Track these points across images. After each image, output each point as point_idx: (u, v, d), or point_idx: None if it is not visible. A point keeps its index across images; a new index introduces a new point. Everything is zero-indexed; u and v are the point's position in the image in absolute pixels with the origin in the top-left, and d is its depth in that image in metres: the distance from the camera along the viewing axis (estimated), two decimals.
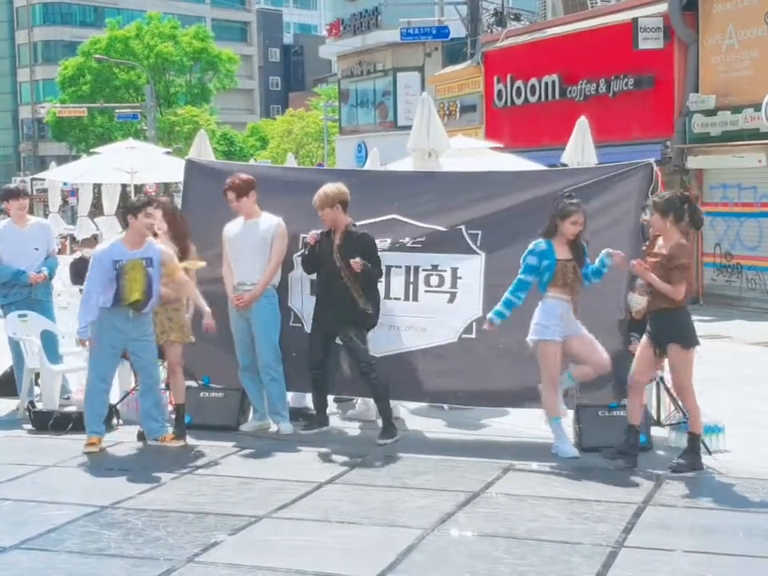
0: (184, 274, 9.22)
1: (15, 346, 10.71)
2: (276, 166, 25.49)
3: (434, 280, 9.76)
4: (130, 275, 8.88)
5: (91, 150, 33.13)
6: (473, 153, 14.04)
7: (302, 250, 9.68)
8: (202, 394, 10.01)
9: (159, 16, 68.27)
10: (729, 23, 21.11)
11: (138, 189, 23.29)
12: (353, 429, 9.83)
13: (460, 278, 9.69)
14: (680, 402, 8.96)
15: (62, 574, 6.24)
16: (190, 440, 9.41)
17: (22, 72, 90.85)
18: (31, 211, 12.08)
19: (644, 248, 8.52)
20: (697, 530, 6.98)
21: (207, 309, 9.33)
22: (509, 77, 27.06)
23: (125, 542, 6.72)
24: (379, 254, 9.65)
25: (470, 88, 29.46)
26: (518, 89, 26.73)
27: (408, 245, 9.80)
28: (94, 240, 17.30)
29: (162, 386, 10.11)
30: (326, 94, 62.24)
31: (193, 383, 10.06)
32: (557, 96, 25.33)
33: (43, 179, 32.46)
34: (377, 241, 9.78)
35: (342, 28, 41.24)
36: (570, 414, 9.10)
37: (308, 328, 9.74)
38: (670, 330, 8.28)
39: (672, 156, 21.80)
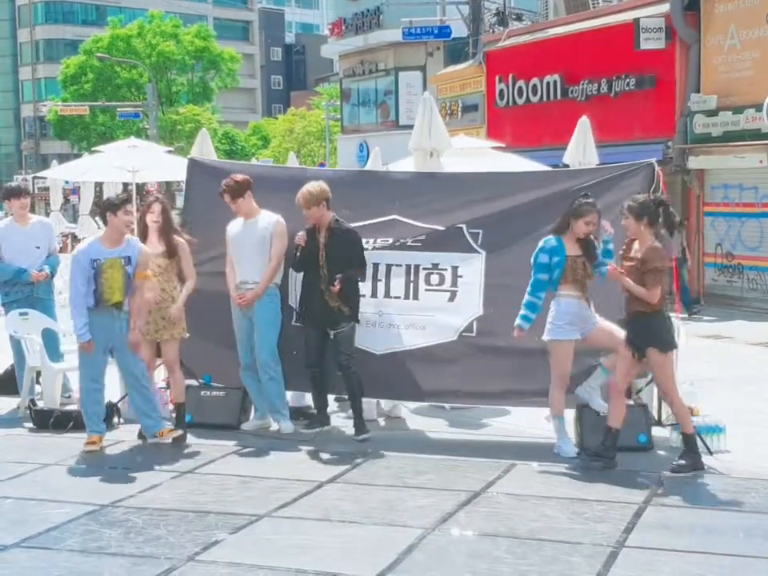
0: (142, 281, 9.14)
1: (16, 345, 10.72)
2: (278, 165, 25.52)
3: (435, 279, 9.76)
4: (108, 274, 8.87)
5: (93, 149, 33.13)
6: (474, 152, 14.03)
7: (294, 251, 9.62)
8: (203, 393, 10.01)
9: (161, 15, 68.20)
10: (730, 23, 21.11)
11: (140, 187, 23.27)
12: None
13: (460, 276, 9.70)
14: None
15: (63, 572, 6.24)
16: (191, 438, 9.41)
17: (24, 70, 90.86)
18: (33, 210, 12.10)
19: (621, 252, 8.52)
20: (697, 530, 6.97)
21: (137, 319, 9.14)
22: (510, 76, 27.07)
23: (125, 540, 6.72)
24: (380, 252, 9.67)
25: (472, 88, 29.47)
26: (520, 89, 26.74)
27: (409, 244, 9.81)
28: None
29: (163, 384, 10.14)
30: (328, 93, 62.16)
31: (194, 382, 10.07)
32: (558, 96, 25.34)
33: (45, 178, 32.50)
34: (378, 240, 9.80)
35: (343, 27, 41.24)
36: (570, 414, 9.09)
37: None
38: (647, 333, 8.27)
39: (673, 156, 21.80)
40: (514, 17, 31.83)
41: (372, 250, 9.78)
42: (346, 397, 9.71)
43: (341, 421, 10.11)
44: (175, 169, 18.09)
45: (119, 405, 10.06)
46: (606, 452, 8.39)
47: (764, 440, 9.37)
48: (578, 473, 8.28)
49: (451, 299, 9.70)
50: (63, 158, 50.33)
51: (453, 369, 9.60)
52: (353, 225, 9.62)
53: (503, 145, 16.70)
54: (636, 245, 8.31)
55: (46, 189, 34.80)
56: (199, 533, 6.83)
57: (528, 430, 9.60)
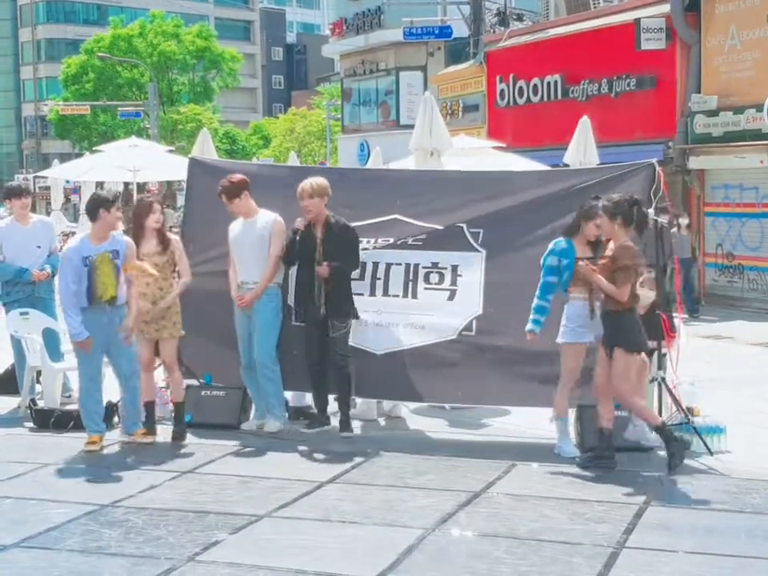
0: (133, 273, 9.18)
1: (17, 344, 10.72)
2: (279, 165, 25.53)
3: (434, 277, 9.76)
4: (101, 270, 8.88)
5: (94, 148, 33.17)
6: (475, 152, 14.05)
7: (289, 240, 9.58)
8: (203, 393, 10.01)
9: (162, 14, 68.21)
10: (731, 24, 21.10)
11: (141, 187, 23.29)
12: (354, 428, 9.79)
13: (460, 275, 9.69)
14: (682, 404, 8.97)
15: (63, 572, 6.24)
16: (191, 438, 9.41)
17: (26, 70, 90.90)
18: (34, 209, 12.11)
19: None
20: (698, 530, 6.97)
21: (134, 311, 9.17)
22: (511, 76, 27.07)
23: (125, 540, 6.72)
24: (380, 251, 9.68)
25: (473, 88, 29.47)
26: (521, 89, 26.74)
27: (409, 243, 9.81)
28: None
29: (164, 384, 10.13)
30: (329, 92, 62.16)
31: (194, 382, 10.07)
32: (559, 96, 25.33)
33: (46, 177, 32.54)
34: (379, 240, 9.80)
35: (344, 27, 41.22)
36: (572, 414, 9.09)
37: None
38: (616, 332, 8.29)
39: (674, 156, 21.80)
40: (514, 17, 31.83)
41: (372, 249, 9.79)
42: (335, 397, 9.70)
43: None
44: (176, 168, 18.13)
45: (119, 405, 10.05)
46: (604, 453, 8.39)
47: (765, 440, 9.36)
48: (578, 473, 8.28)
49: (450, 298, 9.69)
50: (64, 158, 50.35)
51: (452, 368, 9.59)
52: (354, 224, 9.62)
53: (504, 145, 16.73)
54: (611, 244, 8.34)
55: (47, 188, 34.82)
56: (199, 533, 6.83)
57: (528, 430, 9.59)
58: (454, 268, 9.71)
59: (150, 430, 9.42)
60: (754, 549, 6.57)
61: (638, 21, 22.18)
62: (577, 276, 8.58)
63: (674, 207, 18.50)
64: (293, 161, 23.51)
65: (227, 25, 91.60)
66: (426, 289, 9.75)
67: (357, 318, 9.55)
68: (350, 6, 41.46)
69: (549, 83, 25.64)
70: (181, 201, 35.93)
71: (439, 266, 9.76)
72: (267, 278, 9.52)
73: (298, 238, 9.42)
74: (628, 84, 23.21)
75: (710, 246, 21.72)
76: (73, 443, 9.22)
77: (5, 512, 7.41)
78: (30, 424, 10.00)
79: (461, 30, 34.16)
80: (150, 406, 9.51)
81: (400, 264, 9.82)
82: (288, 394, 10.05)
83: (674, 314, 9.81)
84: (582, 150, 12.60)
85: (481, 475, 8.21)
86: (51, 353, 10.53)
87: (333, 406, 9.71)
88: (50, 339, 10.67)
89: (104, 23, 74.99)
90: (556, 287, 8.72)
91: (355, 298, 9.64)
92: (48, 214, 25.24)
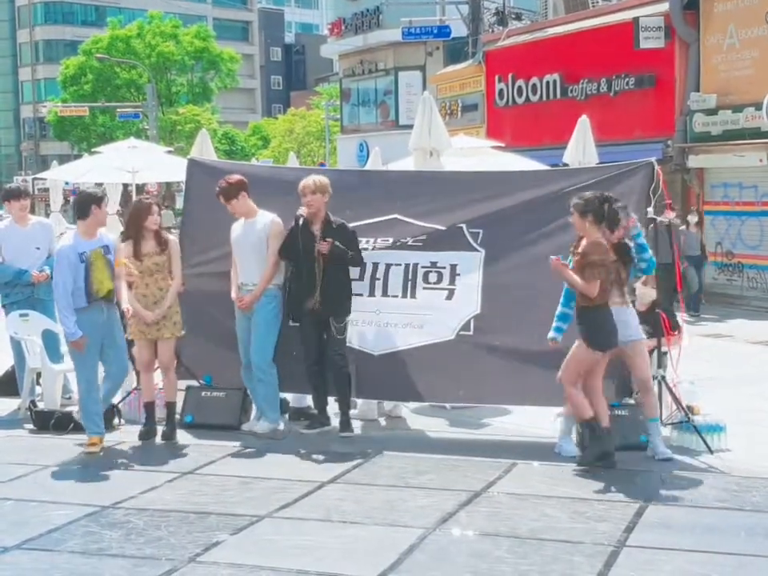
0: (122, 268, 9.22)
1: (17, 346, 10.71)
2: (278, 165, 25.52)
3: (433, 277, 9.76)
4: (96, 265, 8.92)
5: (93, 150, 33.12)
6: (474, 152, 14.04)
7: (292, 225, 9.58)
8: (203, 393, 10.00)
9: (161, 15, 68.16)
10: (730, 23, 21.11)
11: (140, 188, 23.29)
12: (354, 428, 9.80)
13: (458, 274, 9.69)
14: (682, 402, 8.98)
15: (64, 573, 6.24)
16: (191, 439, 9.42)
17: (24, 71, 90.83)
18: (33, 211, 12.11)
19: (571, 248, 8.51)
20: (698, 529, 6.97)
21: (125, 306, 9.22)
22: (510, 76, 27.08)
23: (126, 541, 6.72)
24: (379, 252, 9.68)
25: (472, 87, 29.48)
26: (520, 88, 26.75)
27: (409, 243, 9.81)
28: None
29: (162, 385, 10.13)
30: (328, 93, 62.14)
31: (194, 382, 10.07)
32: (558, 95, 25.35)
33: (45, 178, 32.47)
34: (379, 240, 9.81)
35: (343, 27, 41.23)
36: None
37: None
38: (581, 326, 8.35)
39: (673, 155, 21.82)
40: (513, 16, 31.84)
41: (372, 250, 9.79)
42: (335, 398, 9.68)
43: None
44: (175, 169, 18.10)
45: (119, 406, 10.06)
46: (604, 452, 8.38)
47: (765, 439, 9.36)
48: (579, 472, 8.28)
49: (449, 298, 9.69)
50: (63, 159, 50.30)
51: (452, 368, 9.59)
52: (354, 224, 9.63)
53: (503, 144, 16.71)
54: (584, 241, 8.37)
55: (46, 190, 34.77)
56: (200, 534, 6.83)
57: (529, 429, 9.59)
58: (453, 267, 9.71)
59: (150, 430, 9.42)
60: (754, 547, 6.58)
61: (636, 20, 22.19)
62: (609, 280, 8.51)
63: (674, 206, 18.52)
64: (292, 161, 23.50)
65: (225, 25, 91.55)
66: (424, 288, 9.75)
67: (349, 313, 9.56)
68: (348, 6, 41.47)
69: (548, 82, 25.66)
70: (180, 202, 35.93)
71: (438, 265, 9.76)
72: (266, 279, 9.50)
73: (300, 226, 9.39)
74: (627, 83, 23.23)
75: (710, 244, 21.70)
76: (73, 445, 9.22)
77: (5, 514, 7.41)
78: (30, 426, 10.00)
79: (459, 29, 34.19)
80: (150, 407, 9.52)
81: (399, 264, 9.81)
82: (288, 395, 10.05)
83: (676, 313, 9.82)
84: (581, 149, 12.59)
85: (481, 474, 8.22)
86: (51, 354, 10.53)
87: (334, 406, 9.70)
88: (50, 341, 10.67)
89: (102, 24, 74.93)
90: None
91: (354, 298, 9.65)
92: (47, 215, 25.22)
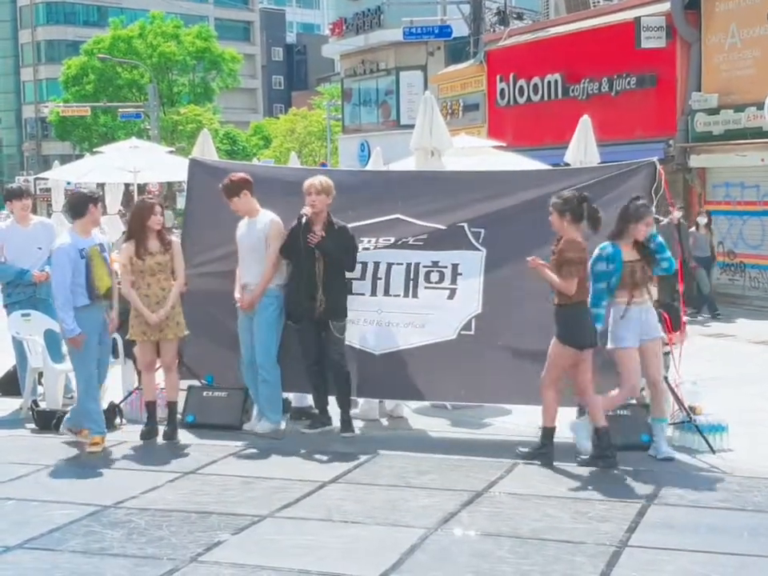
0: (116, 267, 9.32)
1: (18, 346, 10.72)
2: (280, 165, 25.51)
3: (434, 276, 9.76)
4: (95, 262, 8.96)
5: (94, 150, 33.14)
6: (475, 152, 14.05)
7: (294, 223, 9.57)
8: (205, 393, 10.00)
9: (162, 15, 68.18)
10: (731, 22, 21.11)
11: (141, 188, 23.27)
12: (356, 428, 9.79)
13: (460, 274, 9.69)
14: (685, 402, 8.97)
15: (65, 573, 6.24)
16: (192, 439, 9.42)
17: (26, 71, 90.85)
18: (35, 211, 12.11)
19: (552, 247, 8.52)
20: (701, 529, 6.97)
21: (115, 306, 9.32)
22: (511, 76, 27.08)
23: (128, 541, 6.72)
24: (381, 251, 9.67)
25: (473, 87, 29.48)
26: (521, 88, 26.75)
27: (411, 243, 9.82)
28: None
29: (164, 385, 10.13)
30: (329, 93, 62.14)
31: (196, 382, 10.07)
32: (559, 95, 25.35)
33: (46, 178, 32.46)
34: (380, 239, 9.81)
35: (344, 27, 41.23)
36: (572, 413, 9.09)
37: None
38: (557, 323, 8.40)
39: (675, 155, 21.82)
40: (514, 16, 31.85)
41: (374, 249, 9.79)
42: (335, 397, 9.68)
43: None
44: (176, 169, 18.11)
45: (121, 406, 10.06)
46: (604, 451, 8.38)
47: (767, 439, 9.35)
48: (581, 472, 8.28)
49: (450, 297, 9.69)
50: (65, 159, 50.36)
51: (452, 368, 9.59)
52: (356, 224, 9.64)
53: (504, 144, 16.72)
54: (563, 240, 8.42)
55: (48, 190, 34.77)
56: (202, 533, 6.83)
57: (530, 429, 9.57)
58: (455, 267, 9.71)
59: (152, 429, 9.42)
60: (757, 547, 6.57)
61: (638, 19, 22.19)
62: (632, 281, 8.46)
63: (677, 205, 18.53)
64: (293, 161, 23.48)
65: (227, 25, 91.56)
66: (426, 288, 9.75)
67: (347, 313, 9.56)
68: (349, 6, 41.46)
69: (549, 82, 25.66)
70: (181, 202, 35.92)
71: (439, 264, 9.76)
72: (265, 279, 9.48)
73: (302, 225, 9.39)
74: (628, 83, 23.22)
75: None
76: (75, 445, 9.22)
77: (7, 513, 7.41)
78: (32, 425, 10.00)
79: (461, 29, 34.18)
80: (151, 406, 9.51)
81: (401, 264, 9.81)
82: (290, 395, 10.04)
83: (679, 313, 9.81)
84: (583, 149, 12.59)
85: (483, 474, 8.21)
86: (53, 354, 10.52)
87: (336, 405, 9.69)
88: (52, 341, 10.66)
89: (104, 24, 74.93)
90: (607, 293, 8.52)
91: (356, 297, 9.65)
92: (49, 215, 25.21)
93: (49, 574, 6.22)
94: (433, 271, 9.76)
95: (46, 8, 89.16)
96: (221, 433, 9.54)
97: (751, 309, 20.34)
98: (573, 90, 24.84)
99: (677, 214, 18.90)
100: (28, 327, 10.65)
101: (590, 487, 7.89)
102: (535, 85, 26.17)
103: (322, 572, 6.14)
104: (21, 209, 10.95)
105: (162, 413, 9.58)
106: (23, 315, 10.67)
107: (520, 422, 9.86)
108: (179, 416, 9.68)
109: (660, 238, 8.63)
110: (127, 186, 21.98)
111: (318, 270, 9.34)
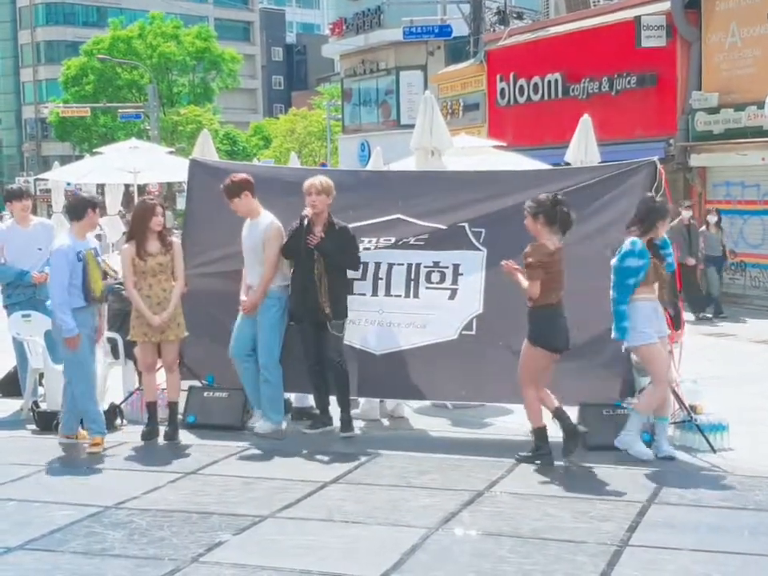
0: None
1: (19, 347, 10.72)
2: (280, 166, 25.51)
3: (436, 276, 9.76)
4: (90, 265, 9.01)
5: (94, 150, 33.14)
6: (476, 151, 14.04)
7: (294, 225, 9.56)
8: (206, 394, 10.00)
9: (162, 16, 68.19)
10: (732, 21, 21.11)
11: (141, 189, 23.29)
12: (356, 428, 9.79)
13: (461, 274, 9.69)
14: (685, 401, 8.97)
15: (66, 574, 6.23)
16: (193, 439, 9.42)
17: (25, 72, 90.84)
18: (35, 211, 12.12)
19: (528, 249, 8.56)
20: (702, 528, 6.96)
21: (104, 313, 9.45)
22: (512, 75, 27.08)
23: (129, 542, 6.72)
24: (382, 251, 9.67)
25: (473, 86, 29.48)
26: (521, 87, 26.76)
27: (411, 243, 9.82)
28: (97, 239, 17.30)
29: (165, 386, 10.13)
30: (329, 93, 62.14)
31: (197, 383, 10.06)
32: (560, 94, 25.35)
33: (46, 179, 32.48)
34: (381, 239, 9.81)
35: (344, 27, 41.24)
36: (572, 412, 9.08)
37: None
38: (529, 323, 8.45)
39: (675, 154, 21.82)
40: (514, 15, 31.86)
41: (374, 249, 9.79)
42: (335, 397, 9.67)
43: None
44: (176, 170, 18.15)
45: (122, 406, 10.06)
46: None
47: None
48: (581, 472, 8.28)
49: (451, 297, 9.70)
50: (65, 160, 50.38)
51: (453, 368, 9.59)
52: (357, 224, 9.64)
53: (504, 144, 16.72)
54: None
55: (48, 190, 34.79)
56: (203, 534, 6.83)
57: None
58: (456, 267, 9.71)
59: (153, 430, 9.42)
60: (758, 546, 6.57)
61: (638, 18, 22.19)
62: (654, 278, 8.49)
63: (681, 203, 18.52)
64: (293, 161, 23.49)
65: (227, 25, 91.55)
66: (427, 288, 9.75)
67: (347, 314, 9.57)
68: (349, 6, 41.48)
69: (549, 82, 25.66)
70: (181, 202, 35.93)
71: (440, 265, 9.76)
72: (265, 281, 9.46)
73: (304, 226, 9.38)
74: (629, 82, 23.22)
75: None
76: (75, 446, 9.22)
77: (8, 514, 7.41)
78: (33, 426, 10.00)
79: (461, 28, 34.19)
80: (152, 407, 9.51)
81: (402, 264, 9.82)
82: (291, 395, 10.04)
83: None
84: (583, 148, 12.59)
85: (484, 474, 8.21)
86: (53, 355, 10.51)
87: (335, 406, 9.69)
88: (52, 341, 10.65)
89: (103, 25, 74.93)
90: (632, 289, 8.47)
91: (357, 297, 9.65)
92: (49, 216, 25.23)
93: (50, 575, 6.22)
94: (434, 271, 9.76)
95: (45, 9, 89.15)
96: (222, 433, 9.54)
97: (752, 308, 20.34)
98: (573, 90, 24.84)
99: (686, 214, 18.94)
100: (28, 328, 10.64)
101: (590, 487, 7.88)
102: (535, 84, 26.18)
103: (323, 572, 6.14)
104: (21, 210, 10.96)
105: (162, 413, 9.58)
106: (23, 316, 10.67)
107: (521, 421, 9.83)
108: (180, 416, 9.68)
109: (664, 236, 8.66)
110: (127, 186, 21.99)
111: (318, 270, 9.34)
